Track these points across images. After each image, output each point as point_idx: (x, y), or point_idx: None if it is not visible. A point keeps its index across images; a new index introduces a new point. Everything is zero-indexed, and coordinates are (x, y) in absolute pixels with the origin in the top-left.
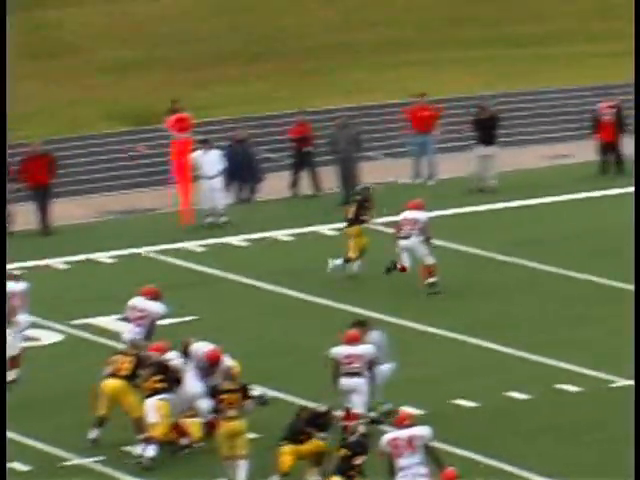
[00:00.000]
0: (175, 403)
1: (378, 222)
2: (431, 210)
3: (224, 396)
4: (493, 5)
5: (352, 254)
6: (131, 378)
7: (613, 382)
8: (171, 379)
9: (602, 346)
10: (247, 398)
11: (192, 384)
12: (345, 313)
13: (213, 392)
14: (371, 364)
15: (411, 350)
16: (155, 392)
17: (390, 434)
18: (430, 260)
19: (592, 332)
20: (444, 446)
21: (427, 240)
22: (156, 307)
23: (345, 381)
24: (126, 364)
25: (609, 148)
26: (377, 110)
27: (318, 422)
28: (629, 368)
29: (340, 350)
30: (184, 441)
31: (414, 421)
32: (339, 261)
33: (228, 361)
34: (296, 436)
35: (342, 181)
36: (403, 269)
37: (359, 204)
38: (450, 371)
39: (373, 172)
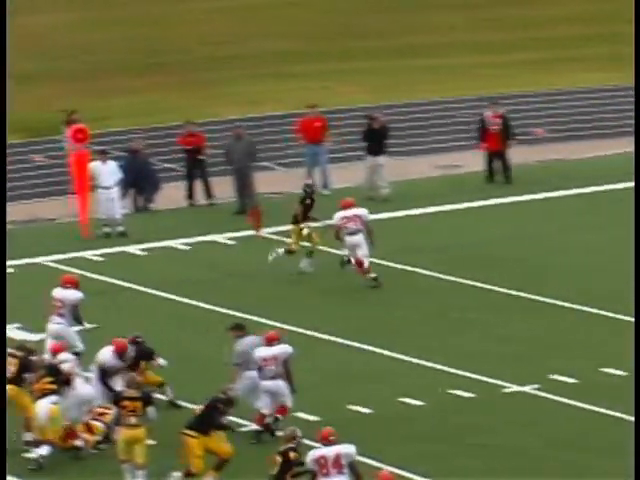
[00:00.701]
0: (67, 406)
1: (272, 231)
2: (323, 218)
3: (126, 403)
4: (383, 17)
5: (294, 247)
6: (16, 381)
7: (504, 388)
8: (61, 381)
9: (491, 352)
10: (148, 405)
11: (84, 387)
12: (240, 320)
13: (115, 399)
14: (285, 364)
15: (300, 356)
16: (45, 394)
17: (316, 451)
18: (367, 258)
19: (478, 339)
20: None
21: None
22: (72, 294)
23: (265, 383)
24: (11, 367)
25: (496, 157)
26: (270, 121)
27: (220, 407)
28: (518, 374)
29: (259, 352)
30: (78, 443)
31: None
32: (281, 250)
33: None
34: (202, 424)
35: (237, 191)
36: (360, 263)
37: (306, 203)
38: (340, 377)
39: (268, 182)
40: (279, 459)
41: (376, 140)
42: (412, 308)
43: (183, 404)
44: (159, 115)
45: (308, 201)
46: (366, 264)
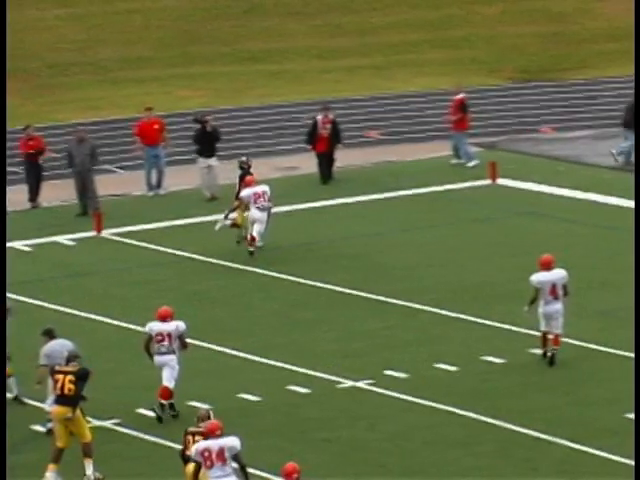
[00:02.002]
0: None
1: (113, 232)
2: (163, 220)
3: None
4: (229, 23)
5: (240, 220)
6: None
7: (340, 383)
8: None
9: (331, 349)
10: None
11: None
12: (90, 322)
13: None
14: (182, 341)
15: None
16: None
17: (201, 444)
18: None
19: (322, 336)
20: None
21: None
22: None
23: (157, 358)
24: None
25: (324, 159)
26: (111, 125)
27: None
28: (353, 370)
29: (153, 326)
30: None
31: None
32: (228, 222)
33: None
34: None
35: (79, 193)
36: (253, 239)
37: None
38: (183, 373)
39: (109, 184)
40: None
41: (207, 143)
42: (253, 306)
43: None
44: (11, 121)
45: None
46: (257, 240)
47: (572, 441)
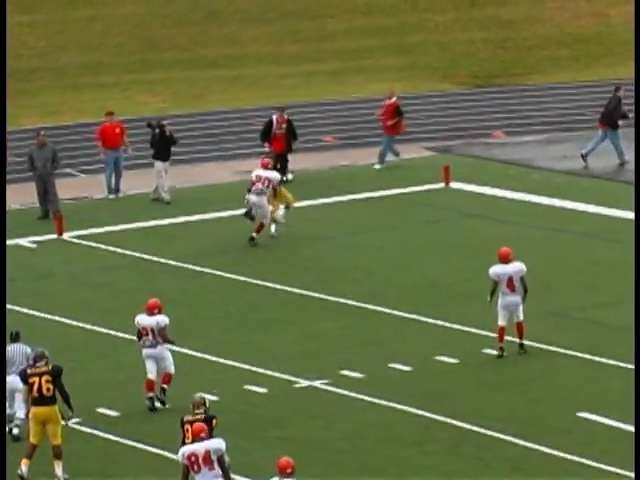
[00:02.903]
0: None
1: (74, 235)
2: (122, 223)
3: None
4: (188, 29)
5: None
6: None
7: (296, 383)
8: None
9: (288, 349)
10: None
11: None
12: (52, 323)
13: None
14: (163, 336)
15: (104, 355)
16: None
17: (187, 447)
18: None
19: (279, 336)
20: (143, 446)
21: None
22: None
23: (144, 351)
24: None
25: (279, 158)
26: (72, 129)
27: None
28: (309, 370)
29: (139, 320)
30: None
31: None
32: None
33: None
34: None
35: (40, 197)
36: (261, 226)
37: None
38: (141, 374)
39: (70, 188)
40: (203, 426)
41: (164, 147)
42: (211, 307)
43: None
44: None
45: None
46: (265, 226)
47: (524, 439)
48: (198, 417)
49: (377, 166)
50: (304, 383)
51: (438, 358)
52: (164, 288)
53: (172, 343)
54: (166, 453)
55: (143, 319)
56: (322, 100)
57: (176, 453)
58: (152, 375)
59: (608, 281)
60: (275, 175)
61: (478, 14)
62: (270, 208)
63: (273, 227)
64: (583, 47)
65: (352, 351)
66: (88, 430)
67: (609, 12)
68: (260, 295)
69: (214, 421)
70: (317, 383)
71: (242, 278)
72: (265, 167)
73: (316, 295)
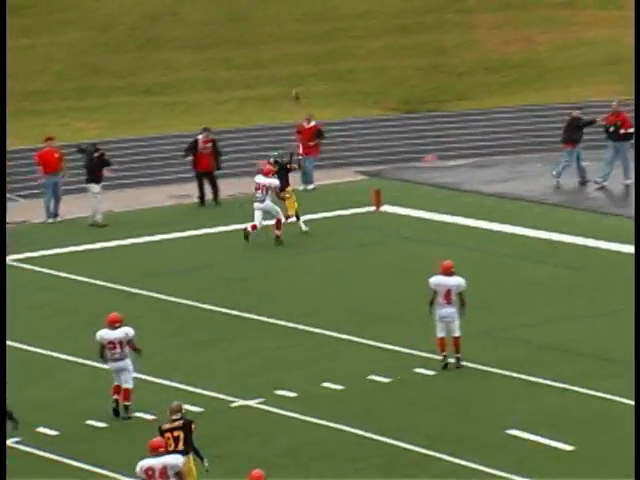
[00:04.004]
0: None
1: (14, 258)
2: (61, 247)
3: None
4: (125, 56)
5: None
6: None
7: (232, 402)
8: None
9: (224, 369)
10: None
11: None
12: None
13: None
14: (132, 346)
15: (42, 375)
16: None
17: (145, 461)
18: (281, 216)
19: (216, 356)
20: (82, 465)
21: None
22: None
23: (113, 365)
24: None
25: (205, 177)
26: (15, 154)
27: None
28: (244, 389)
29: (103, 335)
30: None
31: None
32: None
33: None
34: None
35: None
36: (254, 227)
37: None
38: (82, 393)
39: (9, 212)
40: (179, 433)
41: (98, 171)
42: (148, 328)
43: None
44: None
45: (286, 167)
46: (282, 220)
47: (455, 457)
48: (176, 424)
49: (309, 187)
50: (240, 402)
51: (371, 377)
52: (102, 310)
53: (139, 352)
54: (105, 472)
55: (108, 334)
56: (254, 126)
57: (115, 471)
58: (119, 382)
59: (536, 301)
60: (273, 181)
61: (409, 41)
62: (282, 206)
63: (302, 225)
64: (512, 73)
65: (287, 371)
66: (28, 449)
67: (537, 39)
68: (197, 316)
69: (192, 425)
70: (253, 402)
71: (178, 300)
72: (265, 174)
73: (252, 316)
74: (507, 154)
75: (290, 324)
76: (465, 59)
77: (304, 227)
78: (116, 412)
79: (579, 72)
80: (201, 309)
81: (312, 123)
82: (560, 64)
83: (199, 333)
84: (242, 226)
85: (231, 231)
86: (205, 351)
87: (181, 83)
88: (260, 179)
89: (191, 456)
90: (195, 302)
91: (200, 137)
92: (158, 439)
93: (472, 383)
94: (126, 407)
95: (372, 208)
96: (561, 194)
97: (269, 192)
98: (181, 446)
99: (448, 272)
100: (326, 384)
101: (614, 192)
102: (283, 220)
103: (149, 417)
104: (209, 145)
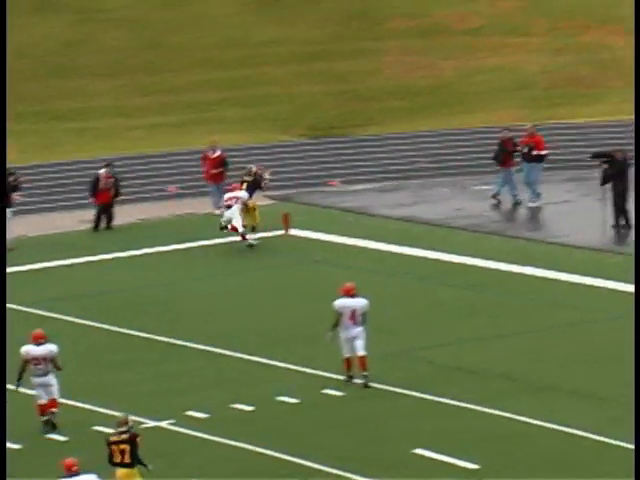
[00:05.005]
0: None
1: None
2: None
3: None
4: (38, 83)
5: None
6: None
7: (143, 423)
8: None
9: (135, 391)
10: None
11: None
12: None
13: None
14: (55, 363)
15: None
16: None
17: None
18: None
19: (128, 378)
20: None
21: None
22: None
23: (36, 380)
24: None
25: (104, 210)
26: None
27: None
28: (155, 410)
29: (29, 351)
30: None
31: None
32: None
33: None
34: None
35: None
36: (234, 229)
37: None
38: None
39: None
40: (125, 447)
41: (7, 194)
42: (62, 350)
43: None
44: None
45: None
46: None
47: (363, 476)
48: (123, 436)
49: (218, 211)
50: (151, 423)
51: (280, 398)
52: (14, 334)
53: (60, 369)
54: None
55: (33, 349)
56: (165, 151)
57: None
58: (43, 400)
59: (441, 323)
60: (243, 194)
61: (317, 67)
62: (241, 219)
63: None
64: (418, 99)
65: (198, 392)
66: None
67: (442, 65)
68: (109, 338)
69: (138, 439)
70: (164, 423)
71: (91, 323)
72: (237, 189)
73: (163, 339)
74: (413, 178)
75: (201, 346)
76: (373, 85)
77: (252, 240)
78: (53, 425)
79: (484, 98)
80: (114, 332)
81: (217, 152)
82: (465, 90)
83: (112, 356)
84: (156, 249)
85: (142, 255)
86: (118, 373)
87: (93, 110)
88: (230, 194)
89: (136, 469)
90: (108, 325)
91: (102, 172)
92: (71, 459)
93: (379, 404)
94: (53, 413)
95: (281, 232)
96: (466, 218)
97: (238, 201)
98: (127, 459)
99: (350, 294)
100: (236, 405)
101: (519, 215)
102: (240, 229)
103: (62, 438)
104: (111, 180)
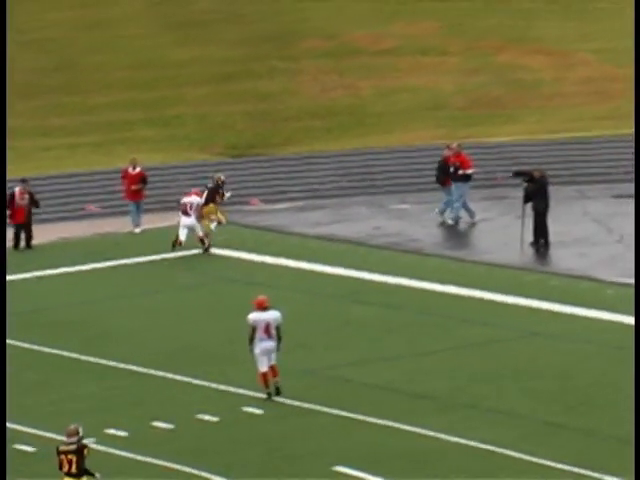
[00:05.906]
0: None
1: None
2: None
3: None
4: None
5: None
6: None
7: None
8: None
9: (54, 409)
10: None
11: None
12: None
13: None
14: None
15: None
16: None
17: None
18: (200, 232)
19: (46, 397)
20: None
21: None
22: None
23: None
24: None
25: (22, 228)
26: None
27: None
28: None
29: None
30: None
31: None
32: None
33: None
34: None
35: None
36: (180, 243)
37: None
38: None
39: None
40: (73, 457)
41: None
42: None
43: None
44: None
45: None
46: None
47: None
48: (71, 447)
49: (137, 230)
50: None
51: (199, 416)
52: None
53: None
54: None
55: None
56: (85, 170)
57: None
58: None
59: (358, 340)
60: (197, 199)
61: (235, 87)
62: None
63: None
64: (335, 119)
65: (117, 410)
66: None
67: (360, 85)
68: (29, 358)
69: (86, 450)
70: (85, 442)
71: (9, 341)
72: (195, 194)
73: (82, 357)
74: (332, 197)
75: (120, 365)
76: (290, 105)
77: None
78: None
79: (401, 117)
80: (32, 351)
81: (137, 169)
82: (382, 110)
83: (30, 374)
84: (75, 269)
85: (61, 274)
86: (36, 392)
87: (11, 130)
88: (185, 199)
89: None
90: (27, 344)
91: (17, 189)
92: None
93: (298, 421)
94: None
95: (199, 250)
96: (385, 236)
97: (192, 208)
98: (74, 469)
99: (263, 307)
100: (156, 423)
101: (439, 233)
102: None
103: None
104: (26, 197)
